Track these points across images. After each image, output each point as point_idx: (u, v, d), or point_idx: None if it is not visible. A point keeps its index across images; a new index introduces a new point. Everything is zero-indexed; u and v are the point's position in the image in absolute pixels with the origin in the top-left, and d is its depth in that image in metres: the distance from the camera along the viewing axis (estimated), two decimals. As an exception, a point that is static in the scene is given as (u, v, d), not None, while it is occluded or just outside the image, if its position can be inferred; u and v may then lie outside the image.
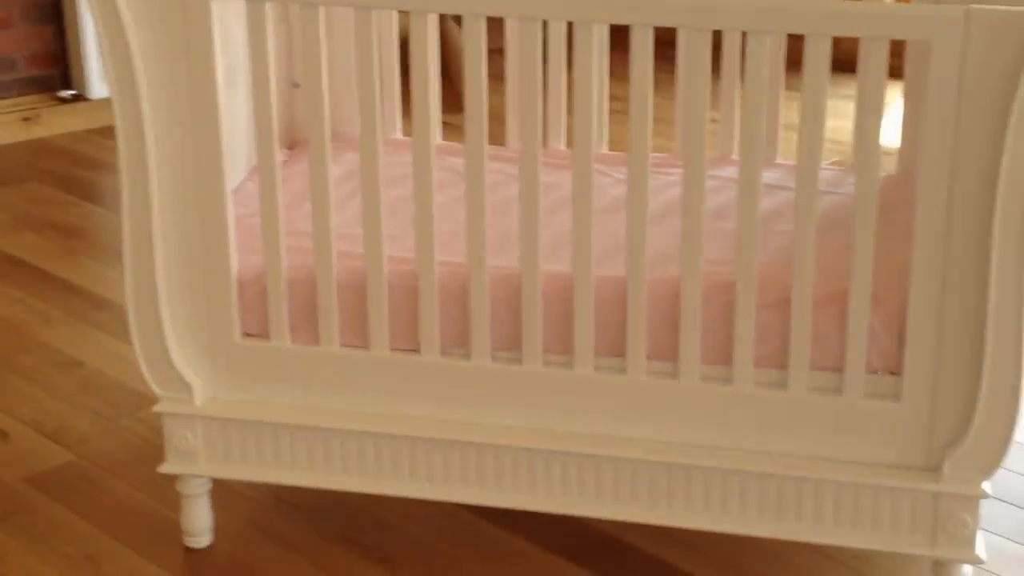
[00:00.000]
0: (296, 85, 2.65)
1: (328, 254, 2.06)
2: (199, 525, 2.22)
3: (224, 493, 2.32)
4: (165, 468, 2.17)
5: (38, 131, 4.38)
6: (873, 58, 1.87)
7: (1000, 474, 2.04)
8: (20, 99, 4.41)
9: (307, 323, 2.11)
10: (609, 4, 1.89)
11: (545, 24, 2.21)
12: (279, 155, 2.46)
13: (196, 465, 2.16)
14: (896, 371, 1.97)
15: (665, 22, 1.90)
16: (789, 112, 2.62)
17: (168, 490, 2.25)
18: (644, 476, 2.04)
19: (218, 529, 2.25)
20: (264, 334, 2.12)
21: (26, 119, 4.39)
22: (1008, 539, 2.27)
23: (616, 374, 2.04)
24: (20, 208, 3.78)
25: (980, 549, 1.99)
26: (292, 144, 2.66)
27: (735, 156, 2.58)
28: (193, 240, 2.08)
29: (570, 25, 1.98)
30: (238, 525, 2.28)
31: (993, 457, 1.93)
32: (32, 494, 2.39)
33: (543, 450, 2.05)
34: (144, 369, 2.13)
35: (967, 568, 2.01)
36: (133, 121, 2.00)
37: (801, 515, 2.01)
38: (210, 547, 2.22)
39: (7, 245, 3.51)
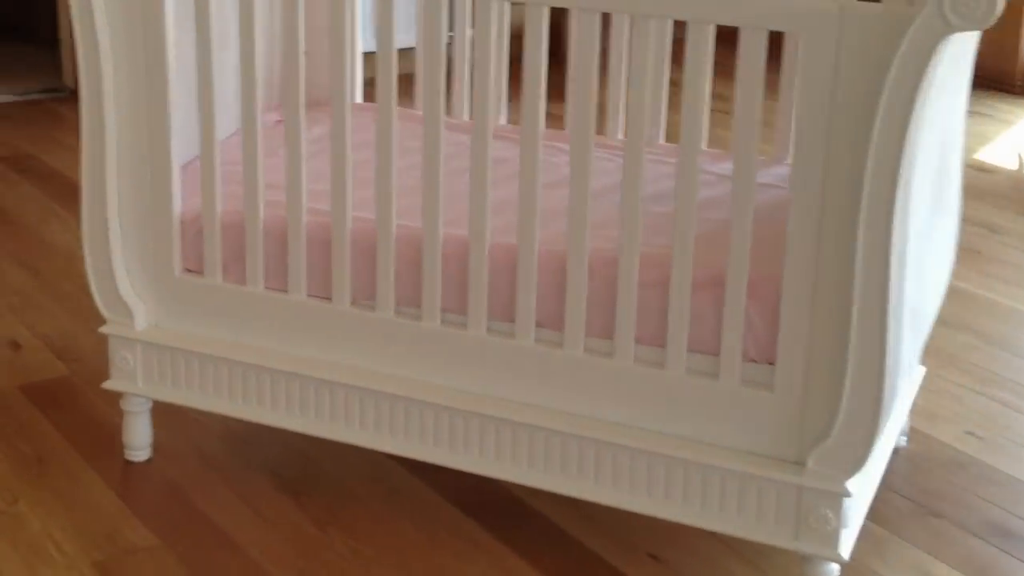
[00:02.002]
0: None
1: (256, 202, 2.19)
2: (138, 440, 2.39)
3: (177, 415, 2.47)
4: (108, 384, 2.34)
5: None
6: (750, 48, 1.87)
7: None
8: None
9: (238, 264, 2.24)
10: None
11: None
12: (273, 115, 2.62)
13: (134, 385, 2.33)
14: (773, 361, 1.97)
15: (557, 2, 1.96)
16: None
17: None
18: (524, 439, 2.09)
19: (161, 447, 2.41)
20: (201, 271, 2.27)
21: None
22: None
23: (506, 338, 2.10)
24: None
25: (844, 548, 1.97)
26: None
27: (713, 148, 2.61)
28: (143, 182, 2.24)
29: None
30: (179, 445, 2.44)
31: (856, 457, 1.91)
32: (20, 400, 2.61)
33: (433, 404, 2.13)
34: (95, 293, 2.31)
35: (834, 567, 2.00)
36: (95, 77, 2.18)
37: (670, 494, 2.03)
38: (148, 461, 2.39)
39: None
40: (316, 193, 2.22)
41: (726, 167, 2.33)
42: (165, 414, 2.44)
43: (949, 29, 1.71)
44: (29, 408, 2.57)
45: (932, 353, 2.88)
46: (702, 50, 1.89)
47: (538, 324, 2.07)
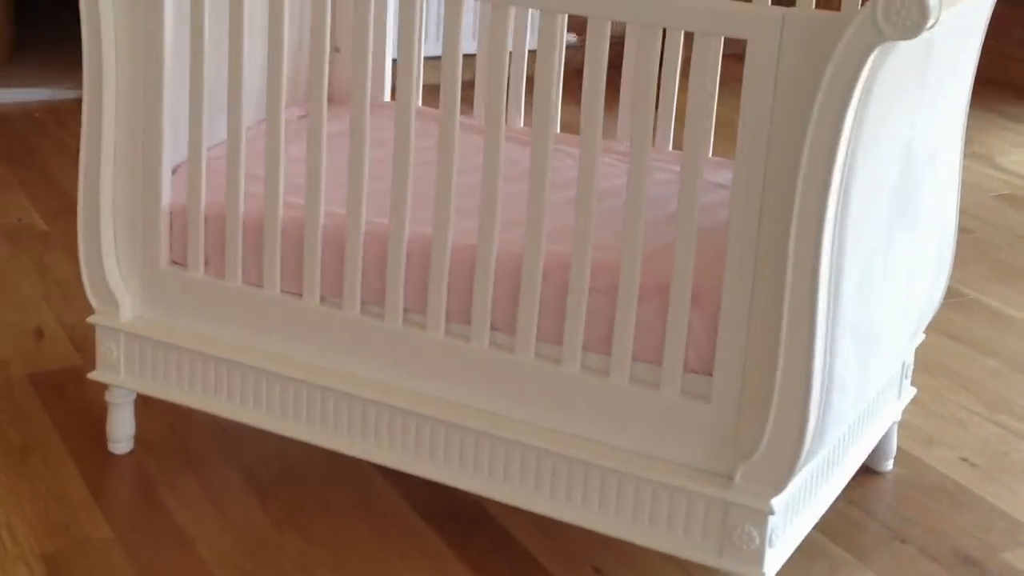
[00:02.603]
0: (336, 49, 2.83)
1: (237, 195, 2.23)
2: (119, 432, 2.44)
3: (168, 408, 2.49)
4: (92, 375, 2.41)
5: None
6: (701, 53, 1.85)
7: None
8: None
9: (221, 257, 2.28)
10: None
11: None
12: (296, 109, 2.67)
13: (117, 376, 2.38)
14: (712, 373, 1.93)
15: (522, 3, 1.96)
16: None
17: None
18: (471, 445, 2.09)
19: (146, 439, 2.47)
20: (187, 263, 2.32)
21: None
22: None
23: (462, 340, 2.10)
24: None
25: (770, 568, 1.92)
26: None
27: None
28: (136, 170, 2.29)
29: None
30: (164, 438, 2.49)
31: (781, 475, 1.87)
32: (25, 388, 2.69)
33: (388, 405, 2.14)
34: (85, 280, 2.37)
35: (759, 586, 1.95)
36: (96, 69, 2.24)
37: (604, 506, 2.01)
38: (129, 454, 2.44)
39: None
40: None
41: (726, 175, 2.28)
42: (157, 406, 2.47)
43: (882, 38, 1.67)
44: (31, 397, 2.65)
45: (947, 375, 2.79)
46: (651, 54, 1.88)
47: (498, 328, 2.07)
